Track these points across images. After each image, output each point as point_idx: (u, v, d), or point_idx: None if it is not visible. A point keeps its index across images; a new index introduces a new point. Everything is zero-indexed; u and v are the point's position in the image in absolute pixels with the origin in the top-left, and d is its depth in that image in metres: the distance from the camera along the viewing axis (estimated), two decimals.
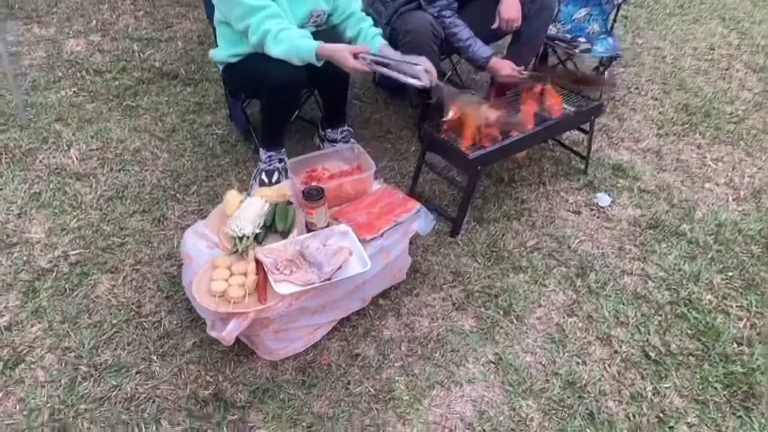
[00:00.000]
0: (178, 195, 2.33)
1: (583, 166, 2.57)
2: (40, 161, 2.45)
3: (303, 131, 2.70)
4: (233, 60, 2.24)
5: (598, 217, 2.34)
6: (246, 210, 1.79)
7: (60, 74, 3.12)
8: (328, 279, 1.61)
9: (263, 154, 2.39)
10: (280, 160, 2.38)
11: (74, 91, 2.99)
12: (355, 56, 1.99)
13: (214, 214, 1.85)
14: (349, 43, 2.34)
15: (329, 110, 2.54)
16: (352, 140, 2.56)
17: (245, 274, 1.62)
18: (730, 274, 2.11)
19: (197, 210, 2.26)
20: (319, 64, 2.03)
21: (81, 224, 2.16)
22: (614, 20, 3.14)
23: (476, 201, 2.37)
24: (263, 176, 2.34)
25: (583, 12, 3.13)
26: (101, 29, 3.58)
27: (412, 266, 2.03)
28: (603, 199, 2.39)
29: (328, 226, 1.80)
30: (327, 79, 2.30)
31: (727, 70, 3.66)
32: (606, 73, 3.14)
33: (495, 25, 2.52)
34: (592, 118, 2.42)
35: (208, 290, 1.59)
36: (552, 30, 3.10)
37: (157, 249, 2.08)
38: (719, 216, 2.36)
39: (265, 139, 2.38)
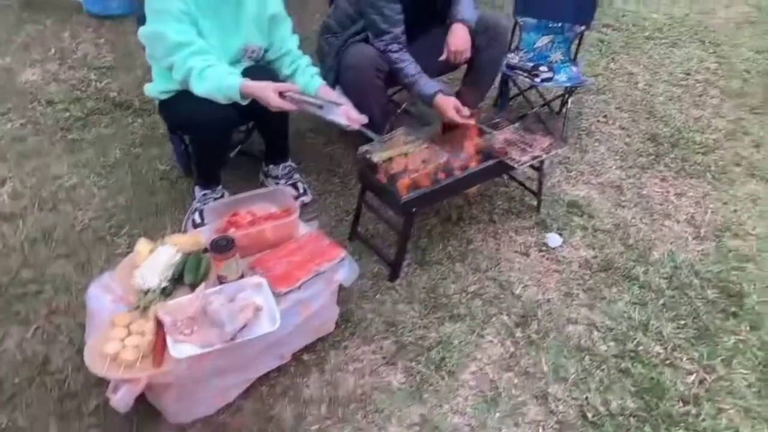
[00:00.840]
0: (107, 237, 2.23)
1: (536, 203, 2.46)
2: None
3: (248, 166, 2.60)
4: (164, 96, 2.16)
5: (547, 259, 2.22)
6: (155, 260, 1.68)
7: (10, 105, 3.05)
8: (232, 339, 1.50)
9: (198, 192, 2.30)
10: (215, 200, 2.29)
11: (21, 124, 2.92)
12: (281, 94, 1.91)
13: (123, 265, 1.74)
14: (285, 80, 2.26)
15: (270, 146, 2.45)
16: (296, 176, 2.47)
17: (143, 334, 1.51)
18: (683, 322, 1.98)
19: (125, 253, 2.14)
20: (243, 103, 1.94)
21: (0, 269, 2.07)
22: (578, 48, 3.05)
23: (421, 241, 2.27)
24: (196, 216, 2.24)
25: (545, 40, 3.04)
26: (59, 58, 3.52)
27: (343, 315, 1.92)
28: (553, 239, 2.28)
29: (241, 277, 1.69)
30: (265, 114, 2.21)
31: (701, 96, 3.56)
32: (556, 133, 3.02)
33: (443, 57, 2.43)
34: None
35: (100, 351, 1.48)
36: (514, 58, 3.01)
37: (75, 297, 1.98)
38: (676, 257, 2.24)
39: (199, 178, 2.29)
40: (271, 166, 2.47)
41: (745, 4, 5.18)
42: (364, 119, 2.07)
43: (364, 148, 2.11)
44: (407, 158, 2.06)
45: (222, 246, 1.63)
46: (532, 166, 2.35)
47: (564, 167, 2.74)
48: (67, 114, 3.01)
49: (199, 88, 1.94)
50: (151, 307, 1.58)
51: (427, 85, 2.35)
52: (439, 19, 2.55)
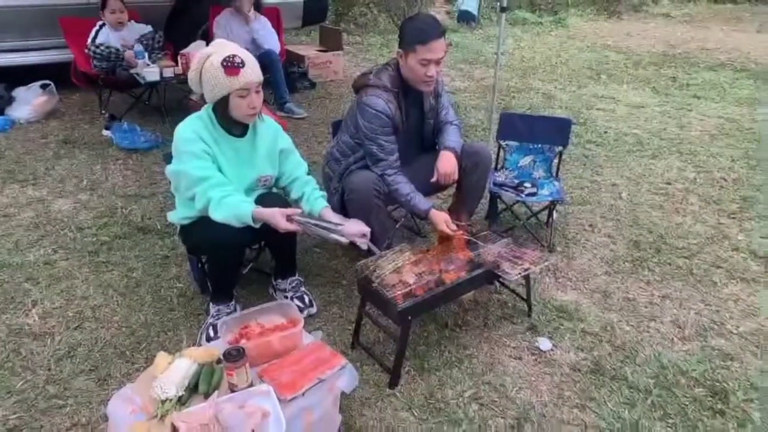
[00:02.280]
0: (127, 352, 2.40)
1: (527, 308, 2.62)
2: (3, 322, 2.57)
3: (259, 281, 2.82)
4: (185, 222, 2.43)
5: (539, 363, 2.34)
6: (173, 371, 1.84)
7: (43, 233, 3.35)
8: None
9: (212, 308, 2.50)
10: (228, 314, 2.48)
11: (53, 249, 3.19)
12: (289, 218, 2.17)
13: (142, 377, 1.90)
14: (295, 203, 2.54)
15: (279, 262, 2.68)
16: (303, 289, 2.67)
17: None
18: (671, 420, 2.06)
19: (143, 368, 2.30)
20: (256, 226, 2.20)
21: (27, 386, 2.22)
22: (558, 165, 3.36)
23: (419, 348, 2.41)
24: (210, 331, 2.42)
25: (528, 159, 3.36)
26: (90, 188, 3.88)
27: (345, 422, 2.03)
28: (544, 343, 2.41)
29: (251, 385, 1.84)
30: (274, 235, 2.46)
31: (681, 203, 3.81)
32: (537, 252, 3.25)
33: (433, 179, 2.72)
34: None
35: None
36: (500, 177, 3.32)
37: (95, 410, 2.11)
38: (662, 358, 2.35)
39: (213, 294, 2.50)
40: (280, 281, 2.68)
41: (718, 117, 5.63)
42: (366, 230, 2.32)
43: (364, 261, 2.33)
44: (404, 270, 2.27)
45: (233, 356, 1.79)
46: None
47: (552, 274, 2.93)
48: (95, 238, 3.29)
49: (217, 215, 2.22)
50: (168, 415, 1.72)
51: (420, 202, 2.63)
52: (430, 146, 2.90)
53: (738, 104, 6.01)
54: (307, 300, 2.62)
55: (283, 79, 5.16)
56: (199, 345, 2.39)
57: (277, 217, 2.16)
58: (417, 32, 2.54)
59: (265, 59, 5.04)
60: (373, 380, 2.25)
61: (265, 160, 2.45)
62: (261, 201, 2.43)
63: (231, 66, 2.16)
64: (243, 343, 1.96)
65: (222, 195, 2.22)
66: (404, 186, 2.66)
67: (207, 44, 4.99)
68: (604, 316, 2.62)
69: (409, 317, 2.16)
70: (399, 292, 2.19)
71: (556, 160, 3.34)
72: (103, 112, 5.07)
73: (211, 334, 2.40)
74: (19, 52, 5.25)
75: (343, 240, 2.20)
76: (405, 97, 2.71)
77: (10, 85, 5.12)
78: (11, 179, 3.97)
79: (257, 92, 2.27)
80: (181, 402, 1.79)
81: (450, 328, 2.52)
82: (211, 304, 2.51)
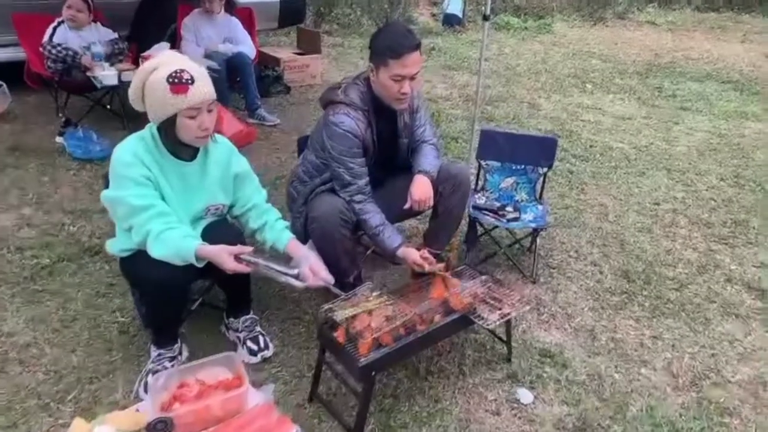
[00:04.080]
0: (52, 403, 2.10)
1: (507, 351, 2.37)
2: None
3: (211, 316, 2.53)
4: (125, 254, 2.14)
5: (519, 418, 2.10)
6: None
7: None
8: None
9: (153, 352, 2.21)
10: (171, 359, 2.20)
11: None
12: (237, 257, 1.90)
13: None
14: (253, 234, 2.27)
15: (231, 300, 2.40)
16: (257, 329, 2.39)
17: None
18: None
19: (68, 424, 2.01)
20: (199, 265, 1.92)
21: None
22: (542, 188, 3.12)
23: (386, 401, 2.14)
24: (149, 378, 2.13)
25: (510, 181, 3.12)
26: (36, 202, 3.56)
27: None
28: (525, 396, 2.17)
29: None
30: (223, 271, 2.18)
31: (670, 227, 3.61)
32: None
33: (407, 206, 2.47)
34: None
35: None
36: (480, 199, 3.07)
37: None
38: (655, 413, 2.12)
39: (154, 337, 2.22)
40: (232, 319, 2.40)
41: (705, 131, 5.47)
42: (328, 279, 2.06)
43: (326, 305, 2.06)
44: (371, 316, 2.00)
45: (158, 430, 1.51)
46: None
47: (535, 310, 2.69)
48: (35, 261, 2.97)
49: (156, 251, 1.94)
50: None
51: (391, 237, 2.37)
52: (404, 167, 2.63)
53: (725, 117, 5.86)
54: (261, 342, 2.34)
55: (255, 84, 4.87)
56: (136, 395, 2.10)
57: (223, 256, 1.89)
58: (389, 44, 2.28)
59: (235, 61, 4.75)
60: None
61: (216, 186, 2.17)
62: (209, 231, 2.16)
63: (178, 83, 1.88)
64: (175, 408, 1.69)
65: (162, 228, 1.94)
66: (374, 217, 2.40)
67: (173, 46, 4.73)
68: (591, 360, 2.39)
69: (373, 373, 1.90)
70: (363, 342, 1.92)
71: (540, 182, 3.10)
72: (60, 116, 4.72)
73: (151, 382, 2.11)
74: None
75: (299, 285, 1.94)
76: (377, 114, 2.45)
77: None
78: None
79: (209, 111, 1.99)
80: None
81: (422, 377, 2.27)
82: (152, 347, 2.22)
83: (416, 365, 2.31)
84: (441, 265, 2.29)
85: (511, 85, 6.69)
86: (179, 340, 2.30)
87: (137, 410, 1.69)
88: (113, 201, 2.00)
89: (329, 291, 2.10)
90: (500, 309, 2.11)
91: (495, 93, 6.30)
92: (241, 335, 2.35)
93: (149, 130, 2.03)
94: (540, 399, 2.18)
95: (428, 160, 2.56)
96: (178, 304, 2.16)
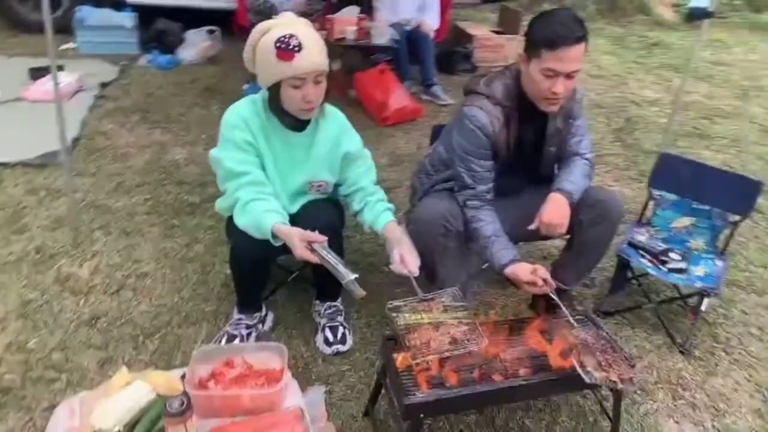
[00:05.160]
0: (141, 337, 2.22)
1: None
2: (56, 268, 2.56)
3: (308, 293, 2.45)
4: (227, 214, 2.14)
5: None
6: (122, 398, 1.57)
7: (146, 180, 3.36)
8: None
9: (234, 315, 2.21)
10: (248, 326, 2.18)
11: (144, 199, 3.18)
12: (309, 245, 1.76)
13: (95, 393, 1.66)
14: (355, 215, 2.13)
15: (318, 282, 2.29)
16: (339, 319, 2.26)
17: None
18: None
19: (148, 361, 2.11)
20: (277, 244, 1.82)
21: (36, 346, 2.15)
22: (729, 238, 2.44)
23: None
24: (223, 341, 2.14)
25: (686, 221, 2.50)
26: (207, 143, 3.82)
27: None
28: None
29: None
30: None
31: None
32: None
33: (533, 226, 2.08)
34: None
35: None
36: (642, 235, 2.52)
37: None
38: None
39: (237, 299, 2.21)
40: (318, 302, 2.30)
41: None
42: (412, 269, 1.87)
43: (394, 303, 1.83)
44: (436, 330, 1.72)
45: (174, 408, 1.45)
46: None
47: (671, 389, 2.13)
48: (186, 198, 3.21)
49: (240, 220, 1.89)
50: None
51: (502, 252, 2.02)
52: (549, 180, 2.22)
53: None
54: (339, 334, 2.20)
55: (433, 60, 4.66)
56: None
57: (294, 240, 1.76)
58: (546, 33, 1.88)
59: (416, 35, 4.59)
60: None
61: (322, 162, 2.05)
62: (306, 209, 2.06)
63: (284, 48, 1.76)
64: (211, 387, 1.62)
65: (250, 197, 1.87)
66: (486, 227, 2.07)
67: (363, 11, 4.73)
68: None
69: (422, 415, 1.63)
70: (423, 374, 1.66)
71: (726, 231, 2.43)
72: None
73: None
74: None
75: (358, 292, 1.75)
76: (521, 113, 2.08)
77: (184, 26, 5.36)
78: (145, 119, 4.10)
79: (317, 83, 1.85)
80: None
81: (496, 429, 1.92)
82: (235, 309, 2.22)
83: (493, 413, 1.97)
84: (554, 286, 1.89)
85: (748, 101, 5.48)
86: (264, 309, 2.28)
87: (182, 376, 1.66)
88: (214, 161, 2.00)
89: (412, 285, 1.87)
90: (606, 373, 1.66)
91: (721, 106, 5.23)
92: (322, 321, 2.24)
93: (261, 94, 1.96)
94: None
95: (573, 177, 2.12)
96: (259, 275, 2.11)
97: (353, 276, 1.75)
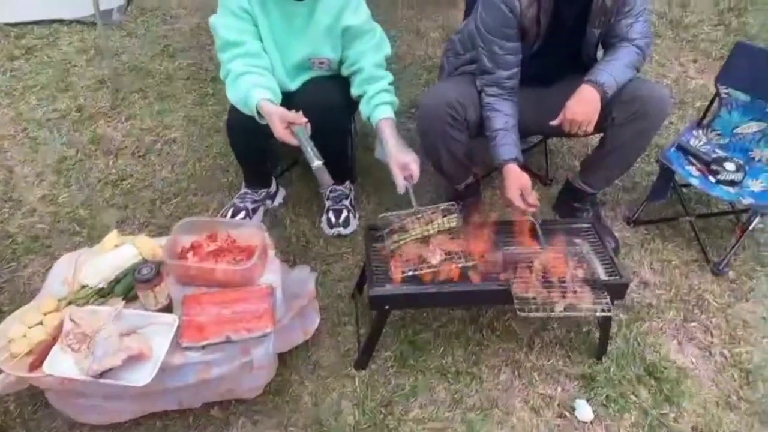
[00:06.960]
0: (158, 202, 2.33)
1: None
2: (98, 126, 2.67)
3: None
4: None
5: (559, 428, 1.64)
6: (109, 257, 1.68)
7: (192, 44, 3.34)
8: (95, 376, 1.42)
9: (243, 188, 2.24)
10: (254, 201, 2.20)
11: (188, 63, 3.18)
12: (290, 125, 1.68)
13: (92, 250, 1.77)
14: (356, 100, 1.98)
15: (328, 163, 2.21)
16: (345, 202, 2.22)
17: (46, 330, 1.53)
18: None
19: (162, 225, 2.21)
20: (262, 122, 1.76)
21: (66, 200, 2.32)
22: None
23: (418, 337, 1.86)
24: (229, 213, 2.19)
25: (753, 126, 2.14)
26: None
27: (276, 384, 1.70)
28: (584, 411, 1.66)
29: (168, 305, 1.58)
30: (320, 129, 1.96)
31: None
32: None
33: (555, 122, 1.86)
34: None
35: (7, 330, 1.54)
36: (697, 139, 2.21)
37: None
38: None
39: (244, 174, 2.21)
40: None
41: None
42: (400, 182, 1.78)
43: (388, 214, 1.77)
44: (424, 244, 1.66)
45: (143, 275, 1.52)
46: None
47: (686, 309, 1.96)
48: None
49: (230, 94, 1.84)
50: (72, 304, 1.58)
51: (505, 147, 1.85)
52: (588, 66, 1.94)
53: None
54: (343, 217, 2.18)
55: None
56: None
57: (274, 119, 1.68)
58: None
59: None
60: (345, 347, 1.83)
61: (322, 36, 1.89)
62: (306, 86, 1.96)
63: None
64: (189, 258, 1.69)
65: (242, 71, 1.79)
66: (498, 118, 1.87)
67: None
68: (714, 413, 1.69)
69: (386, 307, 1.61)
70: (397, 267, 1.62)
71: None
72: None
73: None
74: None
75: (326, 180, 1.71)
76: None
77: None
78: None
79: None
80: (101, 294, 1.64)
81: (478, 328, 1.88)
82: (243, 182, 2.24)
83: (481, 311, 1.92)
84: (534, 210, 1.74)
85: None
86: (274, 186, 2.29)
87: None
88: (212, 28, 1.89)
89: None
90: (565, 298, 1.55)
91: None
92: (328, 203, 2.22)
93: None
94: (604, 426, 1.65)
95: (613, 67, 1.83)
96: (257, 150, 2.06)
97: (317, 163, 1.67)
